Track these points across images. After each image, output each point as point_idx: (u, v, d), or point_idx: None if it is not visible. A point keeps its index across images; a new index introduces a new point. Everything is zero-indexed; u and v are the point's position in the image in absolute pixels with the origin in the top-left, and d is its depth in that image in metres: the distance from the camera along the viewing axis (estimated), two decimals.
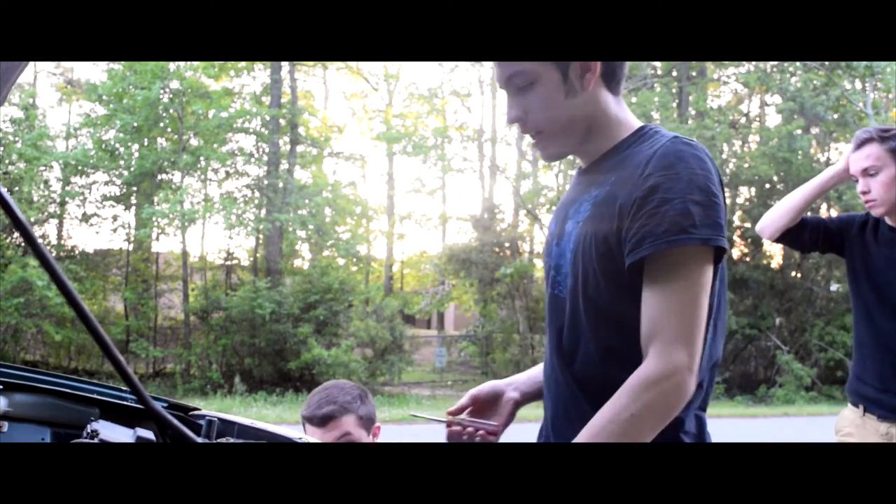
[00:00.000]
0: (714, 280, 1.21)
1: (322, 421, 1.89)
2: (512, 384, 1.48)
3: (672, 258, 1.15)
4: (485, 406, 1.44)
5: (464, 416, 1.42)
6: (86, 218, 17.12)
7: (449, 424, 1.40)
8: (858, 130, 2.40)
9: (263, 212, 17.15)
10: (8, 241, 14.82)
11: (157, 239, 17.28)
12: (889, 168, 2.27)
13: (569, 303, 1.28)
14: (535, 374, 1.50)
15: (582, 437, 1.15)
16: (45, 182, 16.41)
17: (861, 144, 2.32)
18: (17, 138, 15.52)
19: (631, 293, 1.21)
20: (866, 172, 2.31)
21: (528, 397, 1.47)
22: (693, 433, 1.27)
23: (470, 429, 1.39)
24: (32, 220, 15.14)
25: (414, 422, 10.69)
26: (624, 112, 1.33)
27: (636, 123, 1.33)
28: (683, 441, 1.25)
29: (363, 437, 1.94)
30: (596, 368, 1.24)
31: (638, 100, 16.62)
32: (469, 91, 23.18)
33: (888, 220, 2.37)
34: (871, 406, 2.39)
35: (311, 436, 1.93)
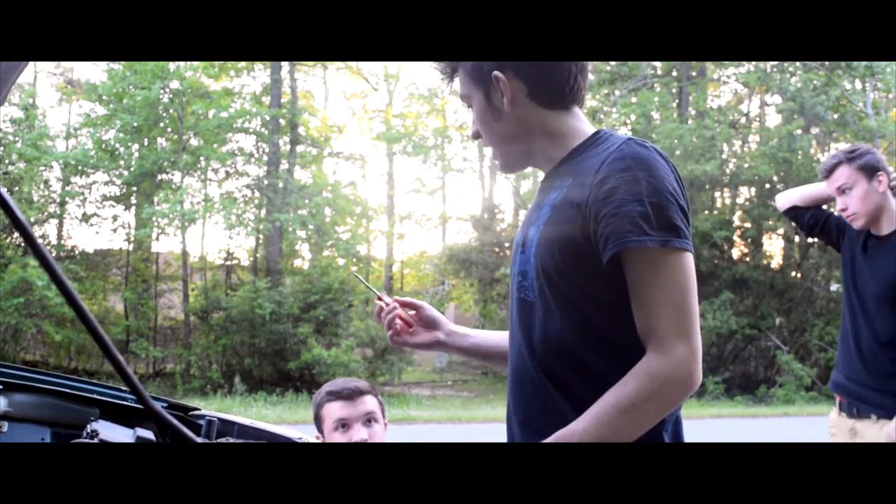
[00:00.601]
0: None
1: (352, 394, 1.96)
2: (451, 328, 1.61)
3: (651, 257, 1.19)
4: (417, 319, 1.60)
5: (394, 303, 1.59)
6: (86, 218, 17.11)
7: (380, 300, 1.59)
8: (826, 157, 2.75)
9: (263, 212, 17.13)
10: (8, 241, 14.81)
11: (157, 239, 17.27)
12: (861, 183, 2.55)
13: (540, 305, 1.31)
14: (475, 334, 1.63)
15: (582, 420, 1.19)
16: (45, 182, 16.40)
17: (832, 169, 2.62)
18: (17, 138, 15.50)
19: (603, 286, 1.25)
20: (841, 190, 2.59)
21: (452, 346, 1.60)
22: (671, 432, 1.30)
23: (394, 311, 1.57)
24: (32, 220, 15.13)
25: (414, 422, 10.67)
26: (575, 122, 1.38)
27: (590, 130, 1.38)
28: (664, 439, 1.27)
29: (381, 420, 1.98)
30: (574, 364, 1.27)
31: (638, 100, 16.59)
32: None
33: (872, 230, 2.64)
34: (840, 392, 2.66)
35: (332, 413, 1.96)
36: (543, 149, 1.38)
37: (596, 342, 1.26)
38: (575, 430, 1.19)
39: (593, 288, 1.25)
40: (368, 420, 1.96)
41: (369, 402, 1.98)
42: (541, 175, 1.44)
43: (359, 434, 1.93)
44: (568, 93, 1.35)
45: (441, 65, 1.42)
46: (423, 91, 22.57)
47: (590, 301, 1.25)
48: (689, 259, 1.23)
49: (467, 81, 1.38)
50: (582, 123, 1.38)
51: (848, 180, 2.56)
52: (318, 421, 2.02)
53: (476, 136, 1.43)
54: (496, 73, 1.32)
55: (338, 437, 1.95)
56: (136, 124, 15.84)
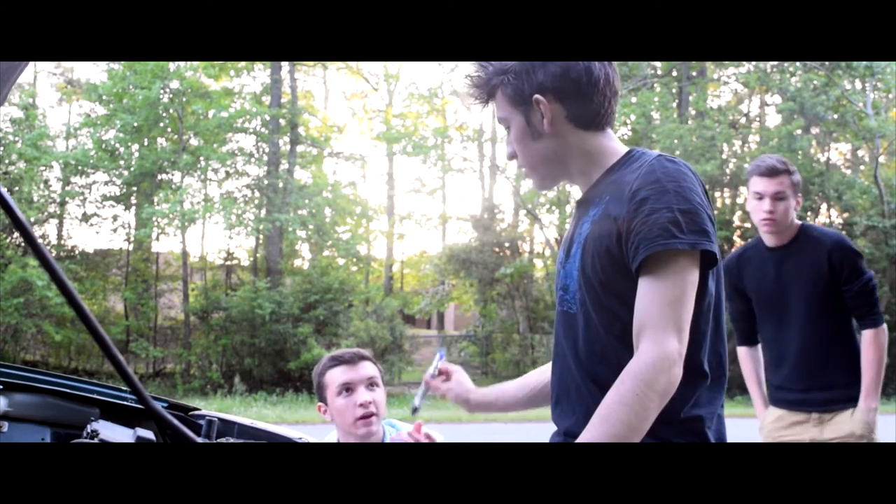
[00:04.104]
0: (709, 280, 1.35)
1: (353, 358, 2.01)
2: (478, 398, 1.75)
3: (662, 259, 1.26)
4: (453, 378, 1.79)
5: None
6: (86, 218, 17.12)
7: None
8: (766, 157, 2.79)
9: (263, 212, 17.14)
10: (8, 241, 14.81)
11: (157, 239, 17.31)
12: (791, 198, 2.71)
13: (581, 317, 1.39)
14: (498, 389, 1.76)
15: (594, 420, 1.24)
16: (45, 182, 16.42)
17: (776, 174, 2.72)
18: (17, 138, 15.51)
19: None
20: (777, 197, 2.71)
21: (482, 407, 1.75)
22: (714, 429, 1.35)
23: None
24: (32, 220, 15.14)
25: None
26: (609, 142, 1.46)
27: (623, 150, 1.46)
28: (709, 436, 1.33)
29: (381, 385, 2.04)
30: (617, 369, 1.29)
31: (638, 100, 16.60)
32: None
33: (767, 243, 2.79)
34: (782, 405, 2.83)
35: (335, 377, 2.00)
36: (580, 167, 1.45)
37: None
38: (590, 438, 1.22)
39: (633, 296, 1.30)
40: (371, 384, 2.00)
41: (370, 367, 2.03)
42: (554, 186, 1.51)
43: (363, 396, 1.96)
44: (602, 115, 1.43)
45: (477, 91, 1.46)
46: (423, 91, 22.55)
47: (629, 309, 1.30)
48: (710, 265, 1.32)
49: (506, 104, 1.44)
50: (615, 143, 1.46)
51: (787, 190, 2.70)
52: (321, 389, 2.04)
53: (512, 156, 1.49)
54: (537, 96, 1.38)
55: (341, 402, 1.97)
56: (136, 124, 15.86)
